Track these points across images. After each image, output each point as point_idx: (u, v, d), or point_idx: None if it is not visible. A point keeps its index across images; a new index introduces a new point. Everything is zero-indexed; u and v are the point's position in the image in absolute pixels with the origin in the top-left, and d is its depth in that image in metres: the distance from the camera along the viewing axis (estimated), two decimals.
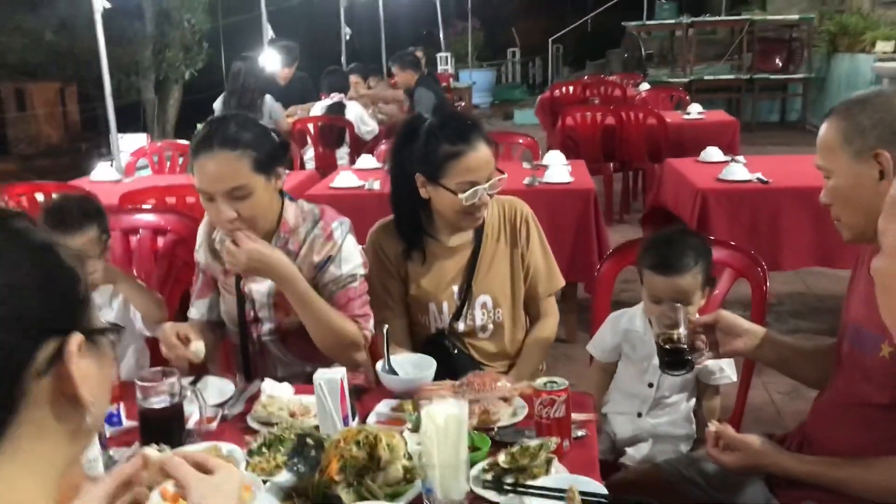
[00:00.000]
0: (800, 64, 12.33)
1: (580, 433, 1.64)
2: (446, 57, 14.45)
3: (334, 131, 6.29)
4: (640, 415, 2.03)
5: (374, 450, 1.41)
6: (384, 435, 1.44)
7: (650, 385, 2.02)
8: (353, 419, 1.69)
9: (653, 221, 4.71)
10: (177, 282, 2.52)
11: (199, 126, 2.04)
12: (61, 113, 13.49)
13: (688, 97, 7.86)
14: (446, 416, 1.37)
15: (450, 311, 2.23)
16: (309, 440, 1.45)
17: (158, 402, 1.62)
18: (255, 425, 1.72)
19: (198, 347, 1.88)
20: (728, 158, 4.50)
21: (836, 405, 1.66)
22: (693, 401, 2.08)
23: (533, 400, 1.60)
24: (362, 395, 1.87)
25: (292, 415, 1.72)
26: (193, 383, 1.90)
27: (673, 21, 13.55)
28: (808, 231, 3.77)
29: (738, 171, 4.09)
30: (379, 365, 1.92)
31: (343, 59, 10.50)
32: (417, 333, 2.28)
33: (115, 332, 0.89)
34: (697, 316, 1.79)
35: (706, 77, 12.40)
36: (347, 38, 10.81)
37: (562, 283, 2.34)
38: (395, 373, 1.91)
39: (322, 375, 1.64)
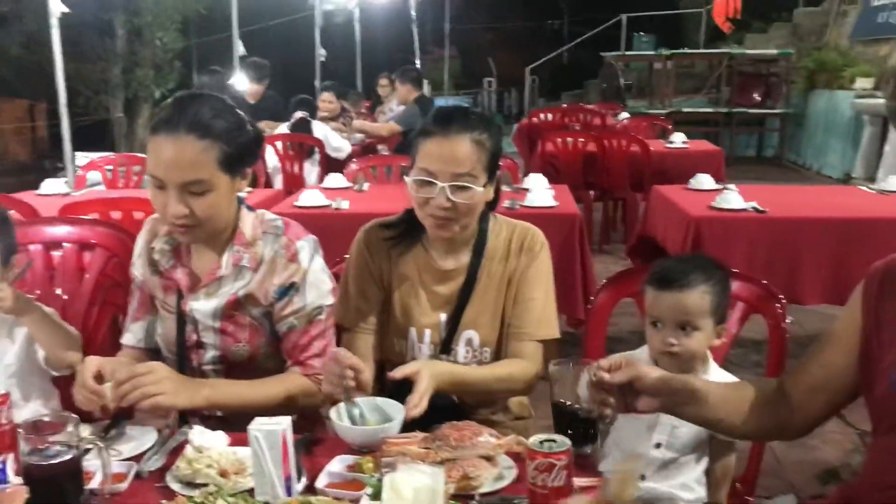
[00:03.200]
0: (778, 99, 12.30)
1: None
2: (423, 85, 14.24)
3: (303, 150, 5.98)
4: (643, 478, 1.71)
5: None
6: None
7: (658, 445, 1.70)
8: (299, 481, 1.36)
9: (641, 253, 4.43)
10: (106, 305, 2.16)
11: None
12: (30, 130, 13.16)
13: (670, 126, 7.66)
14: (416, 486, 1.05)
15: (432, 341, 1.90)
16: None
17: (49, 455, 1.27)
18: (175, 486, 1.37)
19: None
20: (720, 186, 4.25)
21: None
22: (705, 460, 1.76)
23: (526, 462, 1.28)
24: (313, 447, 1.52)
25: (223, 474, 1.38)
26: (107, 430, 1.56)
27: (652, 53, 13.51)
28: (817, 265, 3.55)
29: (733, 199, 3.83)
30: (333, 413, 1.57)
31: (317, 81, 10.24)
32: (390, 362, 1.91)
33: None
34: (607, 375, 1.37)
35: (685, 109, 12.30)
36: (323, 59, 10.55)
37: (555, 334, 1.92)
38: (353, 421, 1.56)
39: (260, 426, 1.30)
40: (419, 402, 1.56)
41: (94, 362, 1.56)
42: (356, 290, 1.92)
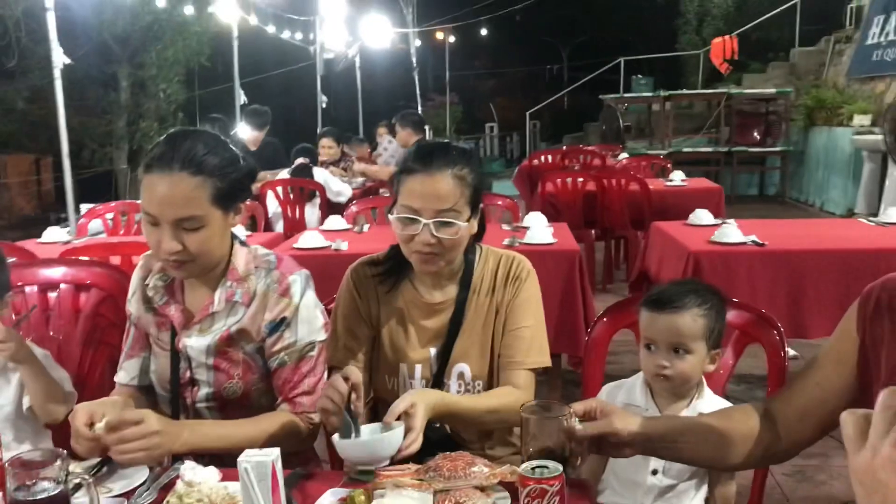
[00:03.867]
0: (777, 137, 12.35)
1: None
2: (425, 130, 14.38)
3: (304, 194, 6.02)
4: None
5: None
6: None
7: (654, 472, 1.67)
8: None
9: (642, 289, 4.41)
10: (102, 345, 2.15)
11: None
12: (35, 183, 13.26)
13: (669, 165, 7.68)
14: None
15: (423, 377, 1.89)
16: None
17: (37, 491, 1.25)
18: None
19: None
20: (719, 221, 4.25)
21: None
22: (704, 488, 1.74)
23: (518, 490, 1.25)
24: (303, 481, 1.50)
25: None
26: (97, 467, 1.54)
27: (650, 94, 13.62)
28: (820, 298, 3.53)
29: (732, 233, 3.82)
30: (336, 436, 1.53)
31: (318, 127, 10.35)
32: (382, 401, 1.90)
33: None
34: (580, 426, 1.35)
35: (685, 149, 12.36)
36: (324, 105, 10.69)
37: (547, 362, 1.90)
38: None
39: (249, 458, 1.29)
40: (416, 438, 1.53)
41: (84, 410, 1.52)
42: (344, 329, 1.91)
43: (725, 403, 1.73)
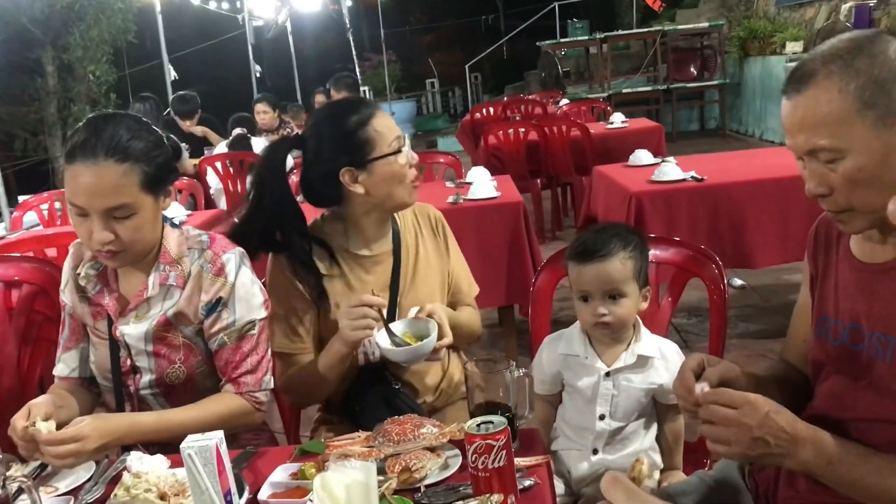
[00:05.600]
0: (714, 71, 12.45)
1: (528, 482, 1.30)
2: (364, 91, 14.19)
3: (245, 168, 5.91)
4: (595, 451, 1.70)
5: None
6: None
7: (601, 417, 1.69)
8: (242, 496, 1.33)
9: None
10: (38, 342, 2.10)
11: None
12: None
13: (609, 108, 7.70)
14: (347, 484, 1.03)
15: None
16: None
17: None
18: None
19: (43, 427, 1.47)
20: (658, 160, 4.28)
21: (829, 419, 1.34)
22: (654, 427, 1.77)
23: (465, 447, 1.26)
24: (253, 459, 1.49)
25: (163, 497, 1.34)
26: (43, 467, 1.51)
27: (587, 38, 13.60)
28: (762, 228, 3.58)
29: (671, 170, 3.86)
30: (379, 338, 1.74)
31: (255, 97, 10.14)
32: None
33: None
34: (700, 384, 1.30)
35: (624, 90, 12.40)
36: (258, 75, 10.47)
37: (477, 289, 2.12)
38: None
39: (191, 443, 1.27)
40: (447, 333, 1.78)
41: (21, 418, 1.49)
42: (286, 310, 1.89)
43: (665, 342, 1.76)
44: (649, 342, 1.72)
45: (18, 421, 1.48)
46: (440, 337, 1.75)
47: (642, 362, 1.70)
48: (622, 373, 1.69)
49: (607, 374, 1.69)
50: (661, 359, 1.71)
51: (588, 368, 1.70)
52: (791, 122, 1.24)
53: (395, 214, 2.00)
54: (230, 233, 1.88)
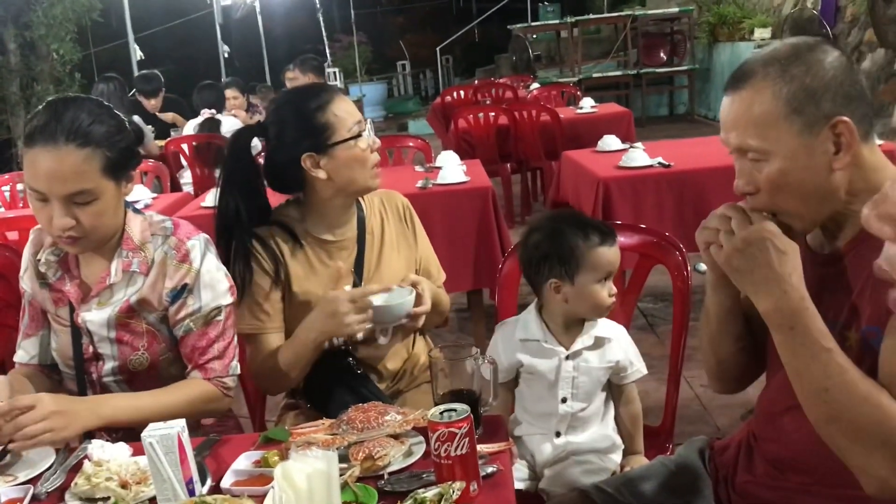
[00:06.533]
0: (683, 56, 12.52)
1: (490, 469, 1.31)
2: (334, 72, 14.07)
3: (211, 150, 5.84)
4: (558, 434, 1.72)
5: None
6: None
7: (563, 400, 1.71)
8: (204, 483, 1.32)
9: None
10: (1, 328, 2.07)
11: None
12: None
13: (579, 92, 7.72)
14: (308, 473, 1.03)
15: None
16: None
17: None
18: None
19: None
20: (626, 146, 4.30)
21: (785, 404, 1.37)
22: (612, 410, 1.80)
23: (429, 435, 1.27)
24: (216, 447, 1.49)
25: (124, 485, 1.33)
26: (0, 456, 1.49)
27: (557, 21, 13.60)
28: None
29: (639, 156, 3.89)
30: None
31: (223, 78, 10.02)
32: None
33: None
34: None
35: (594, 75, 12.43)
36: (226, 55, 10.35)
37: (444, 276, 2.12)
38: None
39: (153, 432, 1.26)
40: (425, 302, 1.84)
41: None
42: (252, 289, 1.88)
43: (617, 326, 1.79)
44: (605, 325, 1.76)
45: None
46: (419, 304, 1.81)
47: (599, 342, 1.73)
48: (581, 354, 1.72)
49: (567, 356, 1.71)
50: (616, 340, 1.75)
51: (547, 352, 1.72)
52: (726, 118, 1.28)
53: (361, 201, 2.00)
54: (215, 216, 1.91)
